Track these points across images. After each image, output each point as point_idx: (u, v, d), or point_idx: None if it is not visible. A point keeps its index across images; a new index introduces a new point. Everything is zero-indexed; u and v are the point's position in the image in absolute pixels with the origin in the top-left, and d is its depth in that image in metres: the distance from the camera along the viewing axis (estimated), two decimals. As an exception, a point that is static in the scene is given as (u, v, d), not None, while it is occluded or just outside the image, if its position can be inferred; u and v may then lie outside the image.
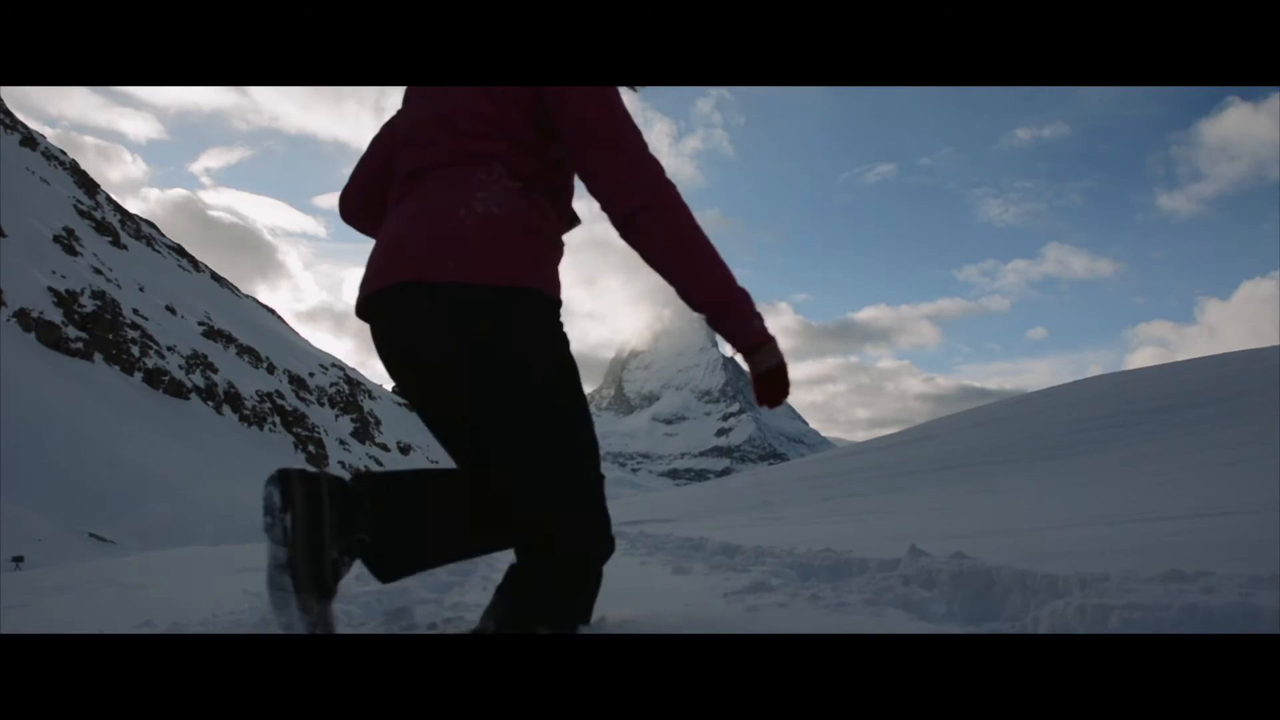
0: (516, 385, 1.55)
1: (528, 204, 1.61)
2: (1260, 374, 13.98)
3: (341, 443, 65.66)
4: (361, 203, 1.92)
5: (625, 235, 1.59)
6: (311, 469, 1.50)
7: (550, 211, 1.68)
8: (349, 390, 75.18)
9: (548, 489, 1.58)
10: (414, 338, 1.58)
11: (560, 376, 1.61)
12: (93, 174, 74.40)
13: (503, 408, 1.56)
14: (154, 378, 50.34)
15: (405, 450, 73.72)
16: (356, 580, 6.10)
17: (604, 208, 1.60)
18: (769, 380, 1.61)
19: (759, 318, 1.59)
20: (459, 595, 4.57)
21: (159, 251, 74.23)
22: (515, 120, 1.61)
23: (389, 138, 1.85)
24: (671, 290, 1.63)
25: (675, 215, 1.56)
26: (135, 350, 50.49)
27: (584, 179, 1.62)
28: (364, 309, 1.65)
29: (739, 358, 1.65)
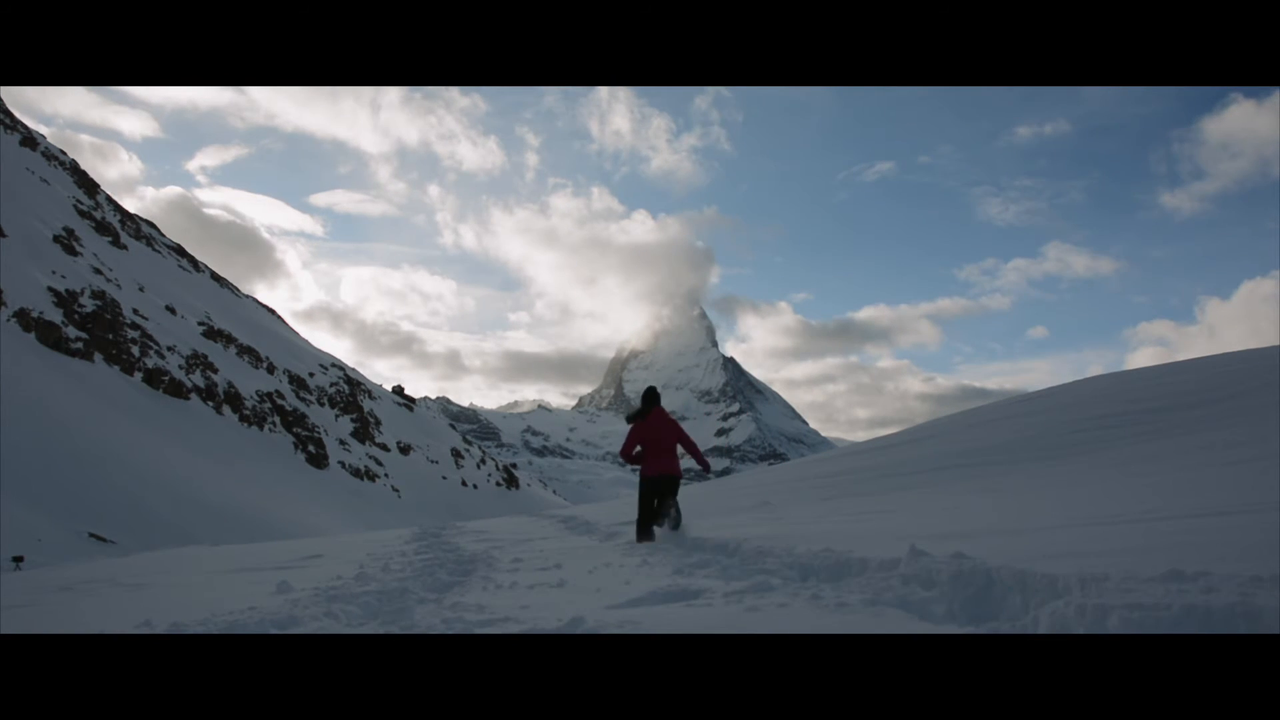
0: (677, 487, 9.21)
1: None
2: (1260, 374, 13.96)
3: (341, 443, 65.66)
4: (630, 454, 9.14)
5: (694, 455, 9.66)
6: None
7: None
8: (349, 390, 75.19)
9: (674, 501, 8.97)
10: (671, 478, 8.95)
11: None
12: (90, 173, 74.33)
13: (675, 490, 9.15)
14: (154, 378, 50.35)
15: (405, 450, 73.73)
16: (356, 580, 6.06)
17: (694, 456, 9.68)
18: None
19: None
20: (459, 595, 4.57)
21: (159, 251, 74.25)
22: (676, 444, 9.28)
23: (639, 436, 9.07)
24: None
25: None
26: (135, 350, 50.51)
27: (690, 449, 9.53)
28: (659, 476, 8.94)
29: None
